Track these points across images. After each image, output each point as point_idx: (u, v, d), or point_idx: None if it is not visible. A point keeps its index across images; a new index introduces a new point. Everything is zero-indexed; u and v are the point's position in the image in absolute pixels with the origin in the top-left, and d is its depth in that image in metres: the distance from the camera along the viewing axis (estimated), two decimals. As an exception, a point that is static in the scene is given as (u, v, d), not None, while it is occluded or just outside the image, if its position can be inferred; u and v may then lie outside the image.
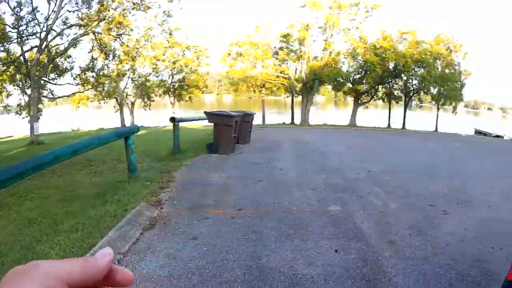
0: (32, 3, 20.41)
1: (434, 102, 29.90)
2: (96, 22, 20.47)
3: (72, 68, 24.87)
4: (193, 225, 3.90)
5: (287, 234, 3.54)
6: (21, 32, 21.08)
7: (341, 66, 28.42)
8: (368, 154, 8.59)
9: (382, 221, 3.94)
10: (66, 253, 3.25)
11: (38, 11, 25.97)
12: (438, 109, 28.54)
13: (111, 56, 24.59)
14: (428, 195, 5.19)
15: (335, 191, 5.01)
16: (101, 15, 20.46)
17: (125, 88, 33.34)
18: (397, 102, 29.41)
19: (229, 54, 30.88)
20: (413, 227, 3.81)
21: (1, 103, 29.07)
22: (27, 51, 22.43)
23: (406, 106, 28.57)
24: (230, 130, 8.32)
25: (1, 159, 12.81)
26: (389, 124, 28.14)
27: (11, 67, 23.26)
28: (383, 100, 30.15)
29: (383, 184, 5.59)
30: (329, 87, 33.05)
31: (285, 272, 2.85)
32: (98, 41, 22.87)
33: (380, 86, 29.00)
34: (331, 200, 4.58)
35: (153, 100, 35.74)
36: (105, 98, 31.77)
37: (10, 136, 36.66)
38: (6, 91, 27.88)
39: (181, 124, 9.15)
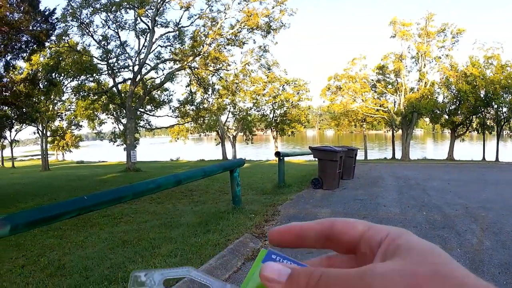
0: (119, 37, 21.84)
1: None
2: (191, 57, 21.08)
3: (170, 101, 26.40)
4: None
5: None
6: (112, 65, 22.31)
7: (436, 97, 27.86)
8: (465, 190, 8.55)
9: (476, 259, 4.03)
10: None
11: (128, 45, 27.67)
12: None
13: (210, 90, 25.43)
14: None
15: (435, 228, 5.08)
16: (195, 51, 21.08)
17: (226, 121, 34.60)
18: (490, 133, 27.81)
19: (329, 89, 31.18)
20: (502, 265, 3.81)
21: (93, 130, 31.94)
22: (119, 83, 23.85)
23: (498, 137, 26.66)
24: (335, 165, 8.33)
25: (97, 182, 13.87)
26: (483, 157, 25.96)
27: (103, 97, 24.64)
28: (478, 131, 28.63)
29: (479, 220, 5.61)
30: (427, 119, 32.43)
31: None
32: (196, 76, 23.61)
33: (474, 117, 27.57)
34: (431, 238, 4.59)
35: (255, 134, 36.59)
36: (206, 131, 33.31)
37: (104, 161, 39.92)
38: (99, 119, 30.59)
39: (285, 158, 9.31)
